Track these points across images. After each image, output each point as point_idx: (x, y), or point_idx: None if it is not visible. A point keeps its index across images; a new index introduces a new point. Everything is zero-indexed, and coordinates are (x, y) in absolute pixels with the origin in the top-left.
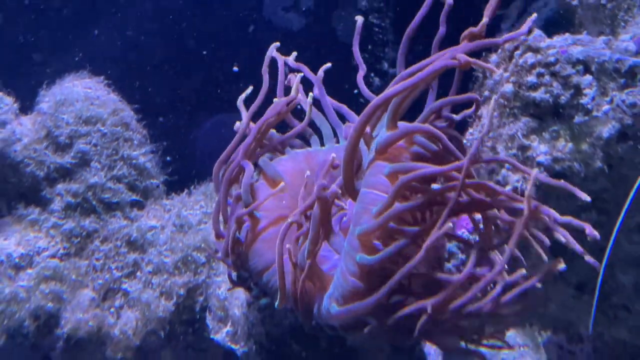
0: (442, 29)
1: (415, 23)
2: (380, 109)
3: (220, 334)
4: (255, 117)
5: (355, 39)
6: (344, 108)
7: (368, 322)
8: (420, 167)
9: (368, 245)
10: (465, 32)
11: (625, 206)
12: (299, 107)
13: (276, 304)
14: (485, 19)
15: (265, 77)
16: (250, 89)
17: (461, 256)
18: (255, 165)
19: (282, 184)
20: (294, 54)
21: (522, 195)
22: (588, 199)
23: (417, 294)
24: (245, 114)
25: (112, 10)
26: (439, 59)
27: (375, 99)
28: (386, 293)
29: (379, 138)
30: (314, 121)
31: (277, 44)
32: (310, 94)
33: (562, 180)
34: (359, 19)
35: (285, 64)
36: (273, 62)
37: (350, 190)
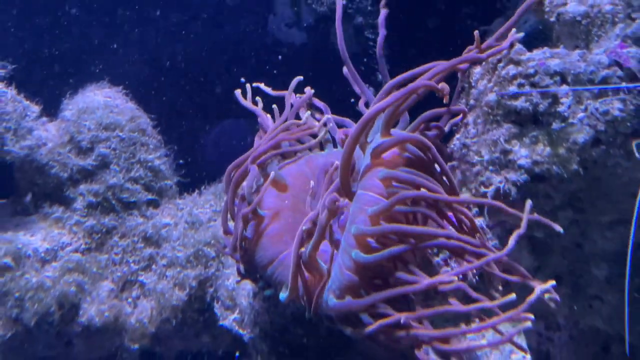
0: (382, 31)
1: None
2: (370, 123)
3: (228, 320)
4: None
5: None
6: (347, 121)
7: (361, 318)
8: (410, 178)
9: (363, 243)
10: (465, 51)
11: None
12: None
13: (280, 295)
14: (476, 31)
15: (288, 105)
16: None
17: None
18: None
19: (272, 173)
20: (312, 91)
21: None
22: (561, 230)
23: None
24: (258, 113)
25: (129, 26)
26: (422, 78)
27: (366, 114)
28: (377, 300)
29: (374, 144)
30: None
31: (301, 77)
32: (331, 125)
33: (535, 214)
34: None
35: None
36: (277, 80)
37: (347, 191)
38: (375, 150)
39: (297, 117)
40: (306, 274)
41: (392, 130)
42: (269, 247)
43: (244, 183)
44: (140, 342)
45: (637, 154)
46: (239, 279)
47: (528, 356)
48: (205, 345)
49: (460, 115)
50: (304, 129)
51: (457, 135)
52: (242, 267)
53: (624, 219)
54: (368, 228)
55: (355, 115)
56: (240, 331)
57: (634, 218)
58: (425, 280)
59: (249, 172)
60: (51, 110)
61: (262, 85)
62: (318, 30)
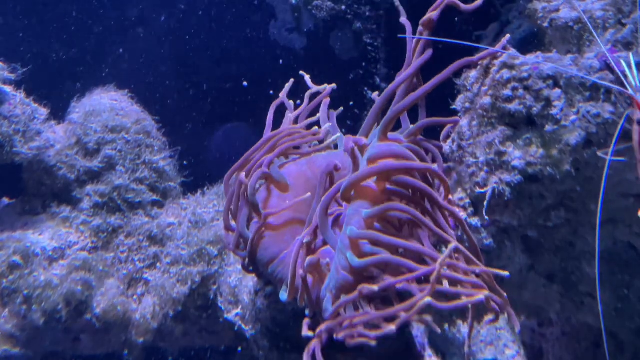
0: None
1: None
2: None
3: (231, 315)
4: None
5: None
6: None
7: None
8: (404, 181)
9: (356, 245)
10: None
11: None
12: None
13: (280, 295)
14: None
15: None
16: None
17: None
18: None
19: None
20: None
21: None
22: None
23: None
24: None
25: (135, 32)
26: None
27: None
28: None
29: (371, 149)
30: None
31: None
32: (339, 134)
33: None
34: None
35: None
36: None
37: (347, 197)
38: (371, 156)
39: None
40: (308, 276)
41: (390, 134)
42: (270, 246)
43: (250, 181)
44: (144, 338)
45: (603, 156)
46: (241, 276)
47: (521, 351)
48: (208, 340)
49: (453, 125)
50: (309, 134)
51: (453, 135)
52: (246, 262)
53: (614, 219)
54: (360, 232)
55: (354, 118)
56: (243, 326)
57: (599, 215)
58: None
59: (253, 170)
60: (59, 113)
61: (307, 77)
62: (318, 36)
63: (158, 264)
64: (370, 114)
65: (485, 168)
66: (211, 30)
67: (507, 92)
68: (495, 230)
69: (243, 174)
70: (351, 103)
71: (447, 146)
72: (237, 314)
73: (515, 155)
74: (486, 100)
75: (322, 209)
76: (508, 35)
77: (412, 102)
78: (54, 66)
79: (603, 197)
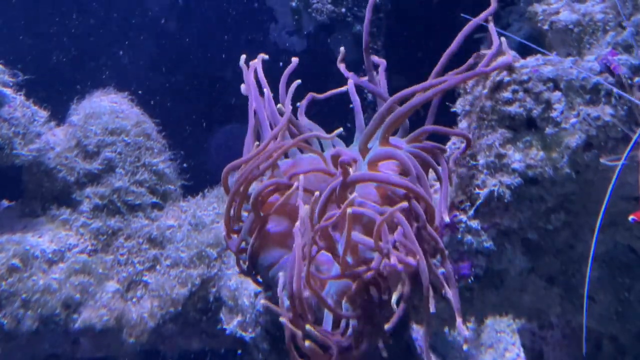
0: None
1: None
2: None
3: (232, 324)
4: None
5: None
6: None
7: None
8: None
9: (356, 249)
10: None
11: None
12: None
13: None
14: None
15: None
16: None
17: None
18: None
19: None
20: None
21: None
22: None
23: None
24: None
25: (135, 34)
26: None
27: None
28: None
29: (372, 153)
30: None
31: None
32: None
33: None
34: None
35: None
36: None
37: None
38: (372, 159)
39: None
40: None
41: (391, 139)
42: (271, 250)
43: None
44: (144, 339)
45: (606, 162)
46: (241, 279)
47: (522, 354)
48: (208, 343)
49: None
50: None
51: (453, 140)
52: (244, 265)
53: (614, 221)
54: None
55: (353, 120)
56: (242, 333)
57: (600, 217)
58: None
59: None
60: (59, 115)
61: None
62: (318, 38)
63: (158, 267)
64: (373, 120)
65: (485, 170)
66: (211, 33)
67: (507, 94)
68: (496, 232)
69: (259, 185)
70: (350, 106)
71: (447, 149)
72: (237, 322)
73: (516, 157)
74: (486, 102)
75: (319, 213)
76: (504, 40)
77: (412, 108)
78: (54, 68)
79: (608, 200)
